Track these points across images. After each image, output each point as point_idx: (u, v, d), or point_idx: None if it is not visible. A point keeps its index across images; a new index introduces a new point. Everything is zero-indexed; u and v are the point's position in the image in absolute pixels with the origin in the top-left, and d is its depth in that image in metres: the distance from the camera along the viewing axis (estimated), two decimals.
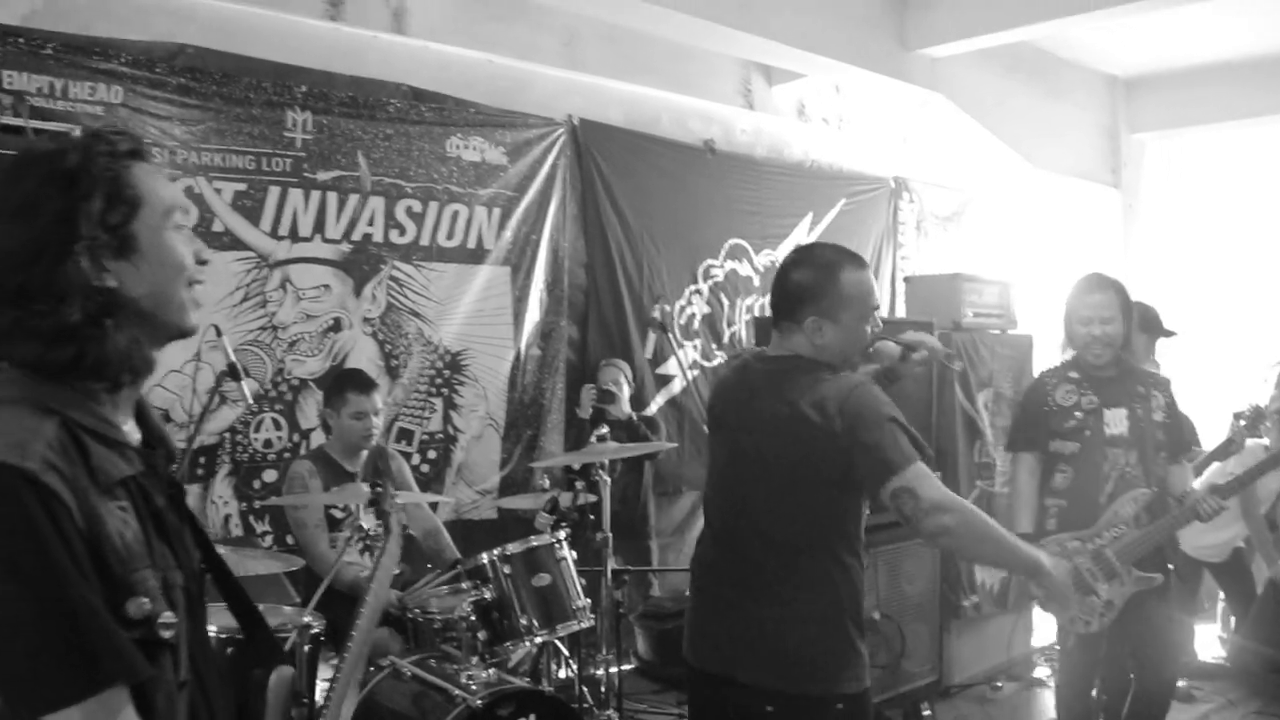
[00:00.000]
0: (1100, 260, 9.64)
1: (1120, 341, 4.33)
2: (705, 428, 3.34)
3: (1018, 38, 7.79)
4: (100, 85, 4.68)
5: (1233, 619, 7.07)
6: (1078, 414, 4.34)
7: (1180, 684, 5.77)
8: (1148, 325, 5.23)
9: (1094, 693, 4.69)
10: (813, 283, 2.82)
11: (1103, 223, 10.29)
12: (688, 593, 3.16)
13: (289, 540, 5.18)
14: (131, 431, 1.63)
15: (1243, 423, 5.67)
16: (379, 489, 2.48)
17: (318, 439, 5.26)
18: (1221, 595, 7.24)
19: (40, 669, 1.38)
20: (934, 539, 2.68)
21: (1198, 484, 4.85)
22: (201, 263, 1.66)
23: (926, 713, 5.46)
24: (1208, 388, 7.66)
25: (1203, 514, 4.29)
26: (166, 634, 1.52)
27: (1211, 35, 8.75)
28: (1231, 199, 10.07)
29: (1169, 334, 5.38)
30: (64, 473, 1.43)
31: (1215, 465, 5.52)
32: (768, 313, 6.55)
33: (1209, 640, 7.03)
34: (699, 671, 2.98)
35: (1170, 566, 4.50)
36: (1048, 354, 7.62)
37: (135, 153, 1.60)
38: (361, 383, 4.78)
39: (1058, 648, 4.99)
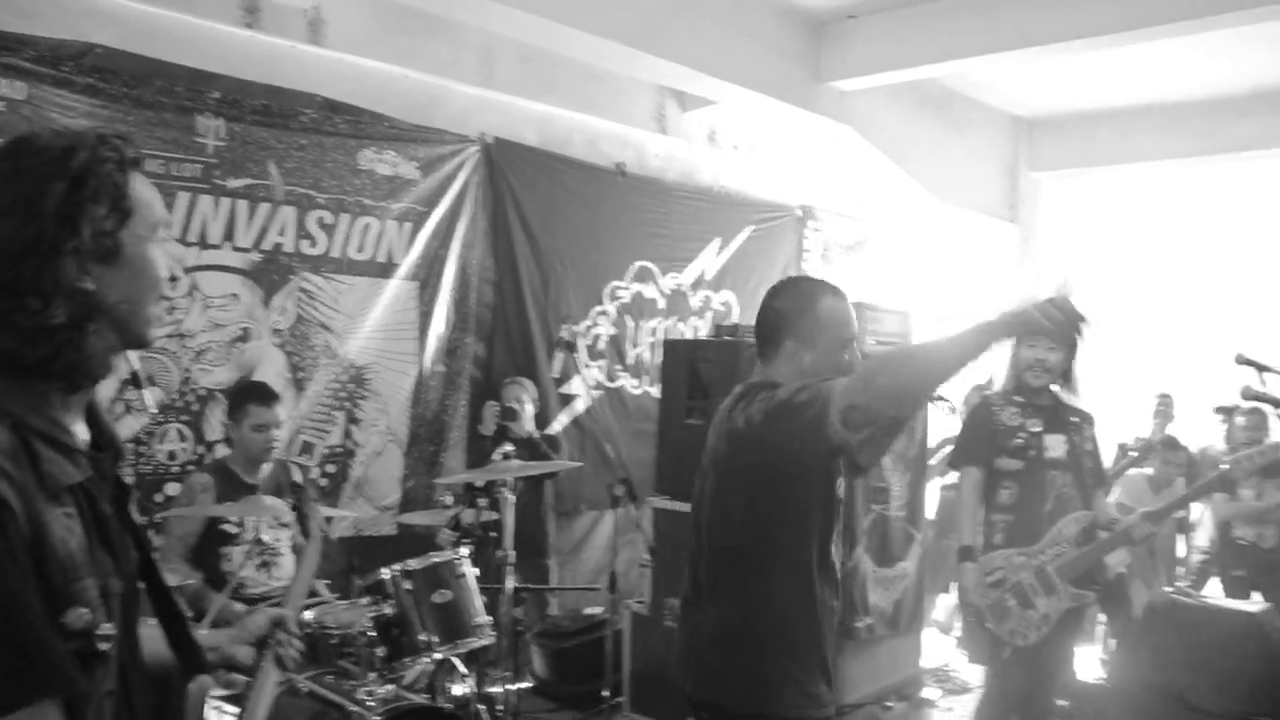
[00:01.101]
0: (997, 292, 9.94)
1: (1059, 370, 4.53)
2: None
3: (926, 75, 8.01)
4: (3, 80, 4.58)
5: (1113, 641, 7.32)
6: (1022, 435, 4.53)
7: (1061, 703, 5.99)
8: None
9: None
10: (791, 309, 2.87)
11: (1000, 256, 10.59)
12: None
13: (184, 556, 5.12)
14: (81, 433, 1.61)
15: (1133, 453, 5.92)
16: (299, 495, 2.48)
17: (224, 451, 5.18)
18: (1102, 618, 7.50)
19: None
20: (891, 414, 2.50)
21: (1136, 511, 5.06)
22: (173, 279, 1.66)
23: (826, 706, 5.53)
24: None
25: (1135, 537, 4.52)
26: (104, 646, 1.51)
27: (1109, 82, 9.10)
28: (1121, 238, 10.44)
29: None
30: (13, 478, 1.42)
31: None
32: (673, 335, 6.59)
33: (1090, 661, 7.26)
34: (688, 700, 2.96)
35: (1096, 586, 4.70)
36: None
37: (135, 162, 1.60)
38: (263, 395, 4.73)
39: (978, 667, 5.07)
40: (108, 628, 1.51)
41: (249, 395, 4.73)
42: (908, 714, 6.34)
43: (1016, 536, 4.54)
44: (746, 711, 2.75)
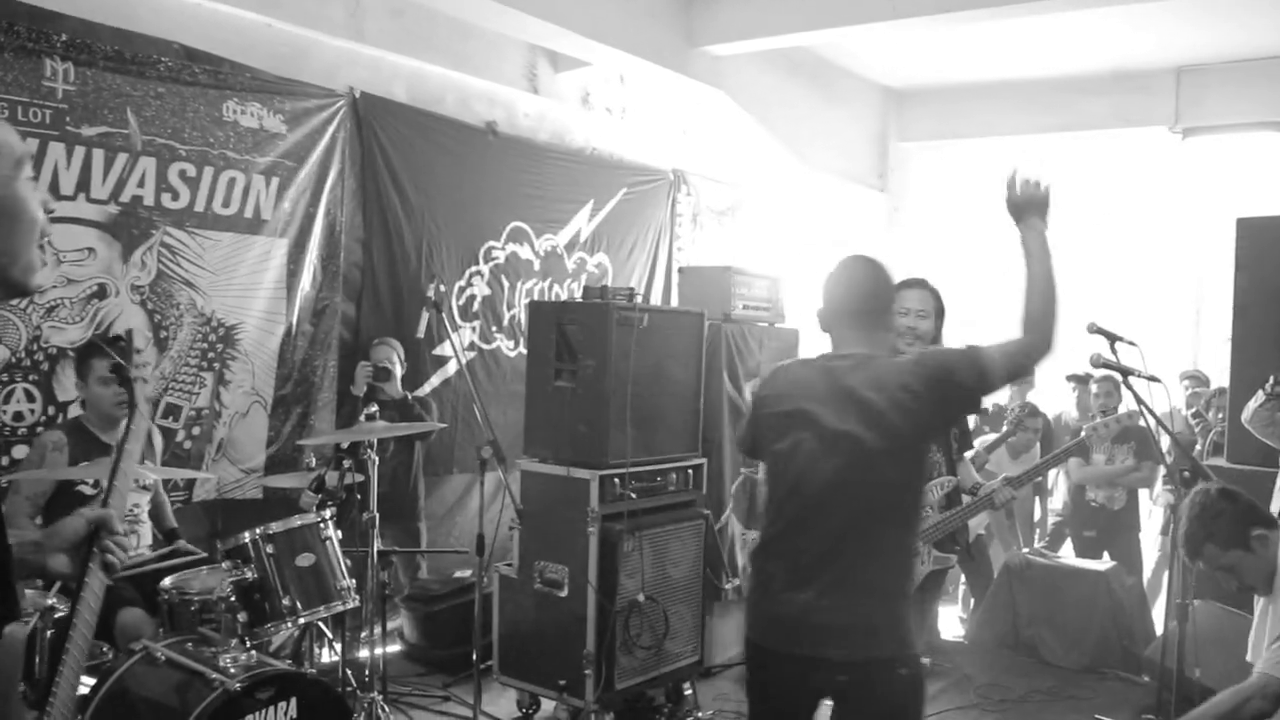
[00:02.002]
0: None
1: (930, 338, 4.63)
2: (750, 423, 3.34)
3: (797, 43, 8.08)
4: None
5: (972, 600, 7.57)
6: None
7: (924, 660, 6.15)
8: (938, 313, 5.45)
9: None
10: (890, 289, 3.21)
11: (869, 224, 10.77)
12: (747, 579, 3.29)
13: (37, 521, 4.92)
14: None
15: (1008, 427, 6.20)
16: (122, 349, 2.28)
17: (76, 413, 4.99)
18: (963, 579, 7.75)
19: None
20: (1035, 345, 2.96)
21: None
22: (48, 213, 1.57)
23: (688, 692, 5.60)
24: None
25: (997, 502, 4.65)
26: None
27: (975, 57, 9.30)
28: (985, 207, 10.65)
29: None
30: None
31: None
32: (548, 296, 6.49)
33: (950, 620, 7.49)
34: (783, 654, 3.03)
35: (957, 549, 4.82)
36: (814, 348, 7.97)
37: None
38: (108, 344, 4.59)
39: None
40: None
41: (93, 349, 4.63)
42: None
43: None
44: (888, 656, 2.92)
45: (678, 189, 8.77)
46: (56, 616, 3.37)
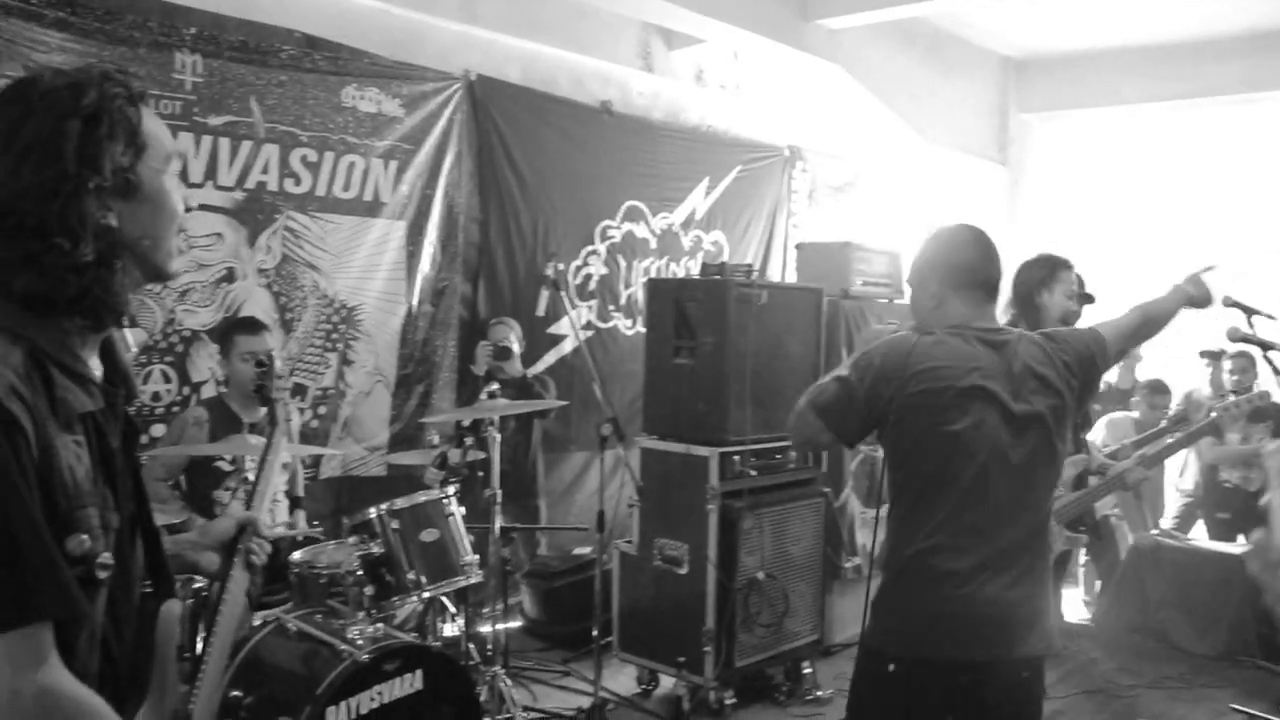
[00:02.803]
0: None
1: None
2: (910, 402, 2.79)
3: (915, 13, 7.94)
4: None
5: (1098, 583, 7.38)
6: None
7: None
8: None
9: None
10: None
11: (989, 198, 10.54)
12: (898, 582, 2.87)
13: (176, 491, 5.09)
14: (95, 368, 1.62)
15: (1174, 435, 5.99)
16: (263, 372, 2.41)
17: (209, 393, 5.16)
18: (1083, 560, 7.55)
19: None
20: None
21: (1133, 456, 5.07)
22: (187, 210, 1.66)
23: (807, 670, 5.57)
24: None
25: (1129, 482, 4.52)
26: (102, 574, 1.52)
27: (1100, 22, 9.02)
28: (1111, 180, 10.39)
29: (1090, 299, 5.48)
30: (26, 400, 1.43)
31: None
32: (666, 275, 6.46)
33: (1075, 603, 7.32)
34: (969, 662, 2.76)
35: (1081, 530, 4.71)
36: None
37: (142, 96, 1.61)
38: (250, 325, 4.77)
39: None
40: (106, 557, 1.53)
41: (235, 327, 4.78)
42: None
43: None
44: (1050, 647, 2.84)
45: (793, 165, 8.69)
46: (195, 587, 3.48)
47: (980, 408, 2.73)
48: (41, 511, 1.42)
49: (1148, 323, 3.19)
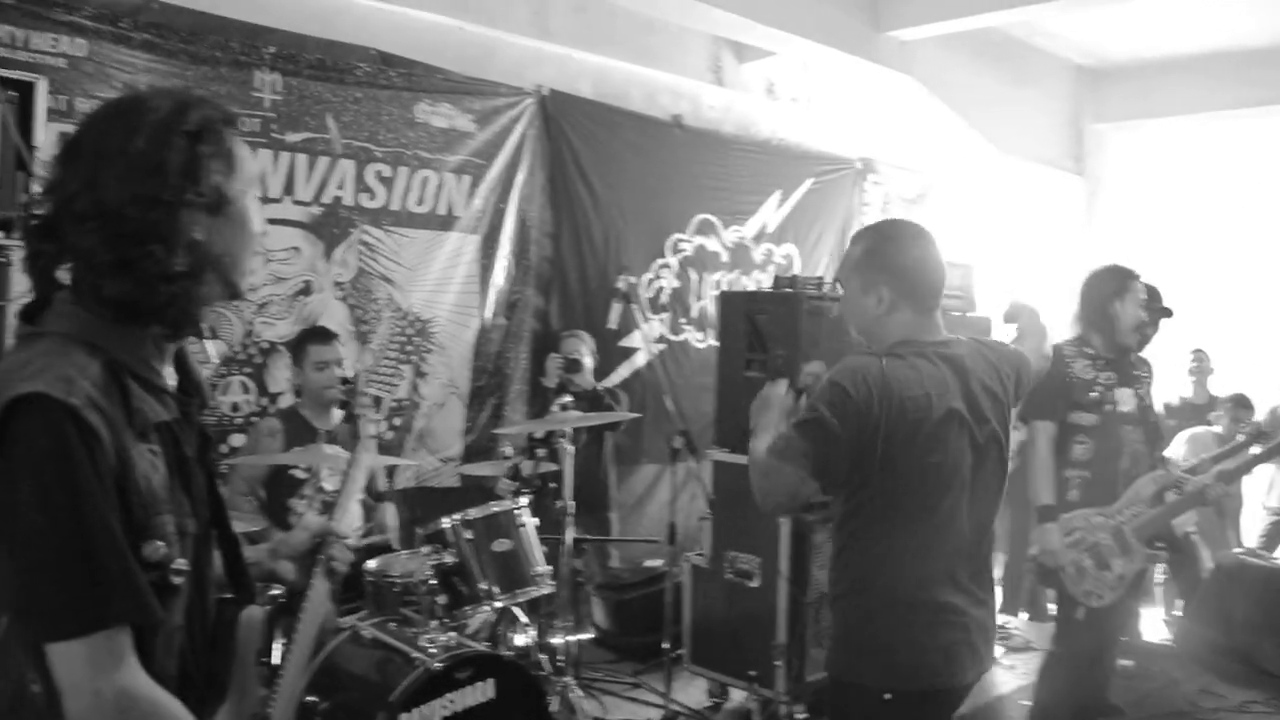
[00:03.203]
0: (1063, 246, 9.77)
1: (1149, 338, 4.65)
2: (871, 426, 2.61)
3: (988, 23, 7.85)
4: (63, 37, 4.62)
5: (1178, 601, 7.21)
6: (1097, 388, 4.45)
7: (1126, 663, 5.92)
8: (1150, 304, 5.23)
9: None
10: None
11: (1065, 209, 10.40)
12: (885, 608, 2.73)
13: (255, 500, 5.18)
14: (170, 377, 1.67)
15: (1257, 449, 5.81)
16: (349, 389, 2.47)
17: (286, 403, 5.23)
18: (1161, 577, 7.38)
19: (54, 599, 1.42)
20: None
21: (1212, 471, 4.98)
22: (263, 233, 1.75)
23: None
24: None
25: (1209, 499, 4.44)
26: (177, 580, 1.57)
27: (1176, 29, 8.87)
28: (1189, 190, 10.20)
29: (1168, 312, 5.39)
30: (104, 411, 1.48)
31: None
32: (737, 288, 6.44)
33: (1154, 622, 7.16)
34: (962, 687, 2.77)
35: (1159, 546, 4.63)
36: (1005, 338, 7.76)
37: (234, 120, 1.68)
38: (321, 334, 4.86)
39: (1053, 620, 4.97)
40: (182, 563, 1.58)
41: (308, 336, 4.87)
42: None
43: (1092, 493, 4.45)
44: None
45: (865, 178, 8.66)
46: (272, 594, 3.53)
47: (955, 435, 2.66)
48: (119, 519, 1.46)
49: None
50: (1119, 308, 4.51)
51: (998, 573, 7.31)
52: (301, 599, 1.99)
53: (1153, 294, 4.95)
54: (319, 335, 4.86)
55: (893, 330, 2.72)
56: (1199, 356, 7.94)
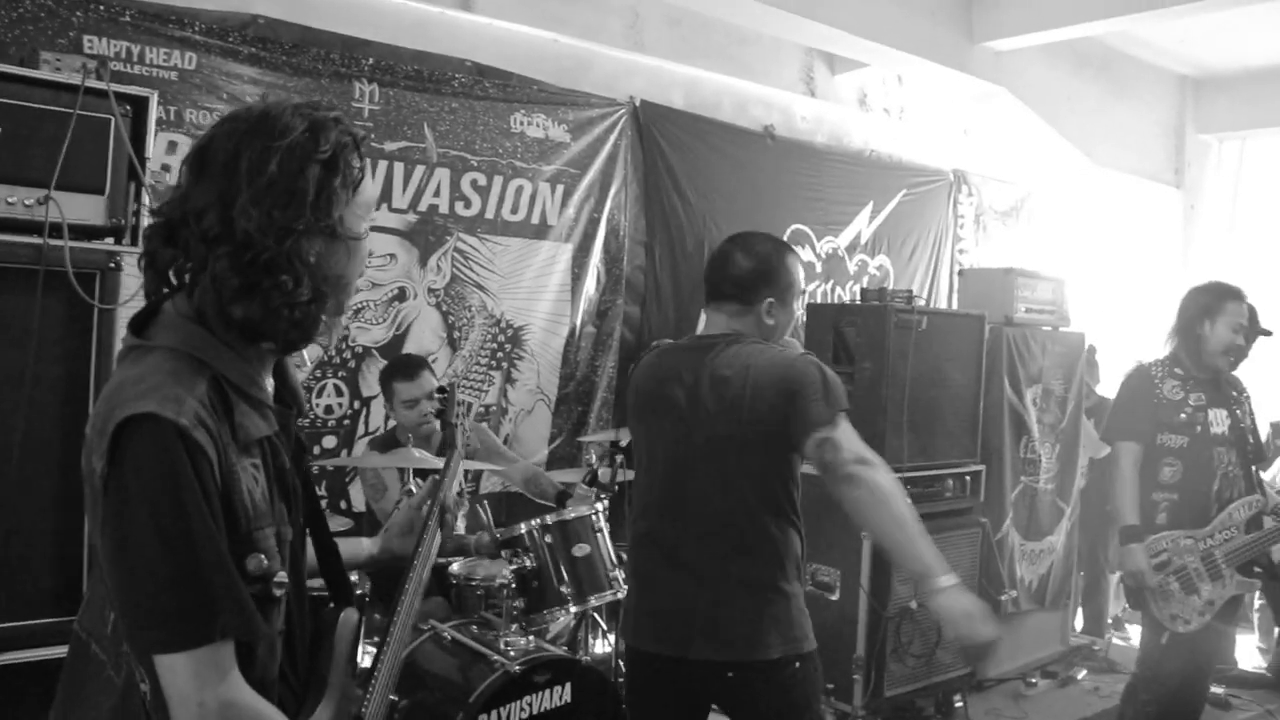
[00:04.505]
0: (1160, 261, 9.59)
1: (1244, 359, 4.50)
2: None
3: (1085, 33, 7.74)
4: (175, 52, 4.80)
5: (1276, 629, 7.04)
6: (1187, 409, 4.39)
7: (1218, 690, 5.80)
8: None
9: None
10: (769, 267, 3.03)
11: (1163, 223, 10.20)
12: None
13: (342, 505, 5.33)
14: (269, 387, 1.72)
15: None
16: (444, 398, 2.54)
17: (378, 405, 5.36)
18: (1259, 604, 7.21)
19: (163, 614, 1.48)
20: (844, 491, 2.68)
21: None
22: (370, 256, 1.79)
23: (959, 704, 5.49)
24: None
25: None
26: (279, 592, 1.62)
27: None
28: None
29: (1266, 333, 5.30)
30: (211, 429, 1.53)
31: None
32: (830, 299, 6.46)
33: (1248, 649, 7.00)
34: (643, 654, 3.03)
35: (1258, 571, 4.55)
36: (1104, 351, 7.64)
37: (360, 142, 1.71)
38: (406, 370, 4.87)
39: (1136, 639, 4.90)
40: (282, 575, 1.62)
41: (391, 374, 4.90)
42: (1051, 691, 6.22)
43: (1181, 516, 4.38)
44: (784, 655, 2.89)
45: (958, 189, 8.58)
46: (357, 594, 3.65)
47: (663, 420, 3.07)
48: (224, 535, 1.52)
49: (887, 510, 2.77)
50: (1208, 328, 4.44)
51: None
52: (418, 547, 2.09)
53: (1251, 313, 4.87)
54: (404, 370, 4.86)
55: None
56: None
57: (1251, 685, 6.39)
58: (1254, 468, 4.56)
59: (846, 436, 2.71)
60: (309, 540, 1.88)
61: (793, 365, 2.84)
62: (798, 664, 2.88)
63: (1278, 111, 9.64)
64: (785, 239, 7.24)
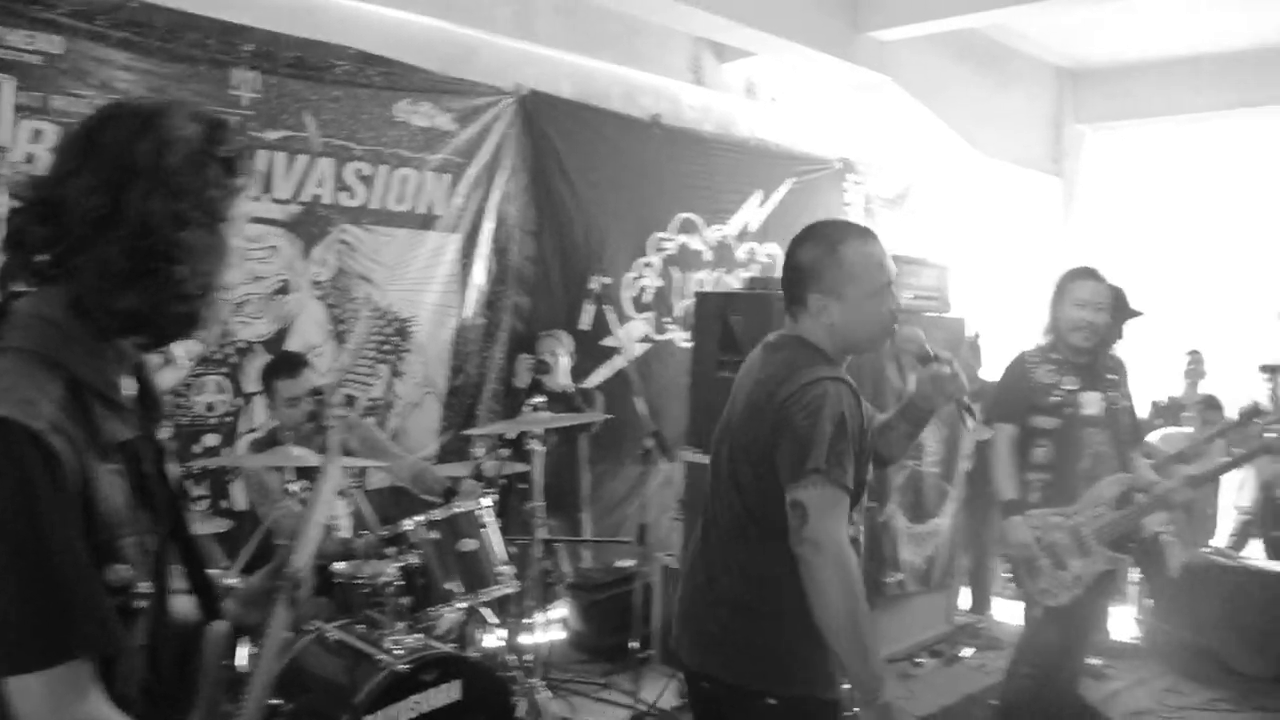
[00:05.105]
0: (1040, 247, 9.82)
1: (1104, 333, 4.56)
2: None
3: (968, 24, 7.89)
4: (39, 34, 4.58)
5: (1149, 601, 7.28)
6: (1058, 392, 4.51)
7: (1095, 662, 5.99)
8: (1116, 305, 5.27)
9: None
10: (814, 260, 2.70)
11: (1043, 210, 10.46)
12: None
13: (223, 505, 5.20)
14: (127, 388, 1.66)
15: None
16: (319, 400, 2.47)
17: (261, 402, 5.22)
18: (1136, 578, 7.45)
19: (15, 630, 1.40)
20: (800, 566, 2.49)
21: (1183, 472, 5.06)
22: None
23: (846, 686, 5.56)
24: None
25: (1174, 503, 4.52)
26: (141, 603, 1.56)
27: (1155, 31, 8.91)
28: (1167, 192, 10.26)
29: (1137, 314, 5.42)
30: (68, 434, 1.46)
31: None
32: (722, 287, 6.41)
33: (1125, 621, 7.23)
34: (684, 667, 2.90)
35: (1132, 546, 4.70)
36: (987, 337, 7.80)
37: (250, 149, 1.73)
38: (289, 367, 4.75)
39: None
40: (144, 585, 1.57)
41: (273, 373, 4.77)
42: (938, 670, 6.35)
43: (1053, 495, 4.52)
44: (764, 690, 2.64)
45: (845, 178, 8.68)
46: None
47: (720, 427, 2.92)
48: (83, 544, 1.45)
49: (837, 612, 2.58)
50: (1058, 310, 4.58)
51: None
52: (265, 627, 1.95)
53: (1119, 295, 5.00)
54: (285, 368, 4.74)
55: None
56: (1194, 358, 7.97)
57: (1127, 656, 6.59)
58: (1128, 448, 4.70)
59: (816, 505, 2.45)
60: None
61: (797, 394, 2.56)
62: (770, 701, 2.62)
63: (1150, 103, 9.97)
64: (673, 227, 7.29)
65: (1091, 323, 4.49)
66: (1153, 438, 7.10)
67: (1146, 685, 6.11)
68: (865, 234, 2.77)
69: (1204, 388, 7.96)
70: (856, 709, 2.57)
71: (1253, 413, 5.33)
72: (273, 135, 5.38)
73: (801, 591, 2.51)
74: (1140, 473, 4.67)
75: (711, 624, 2.72)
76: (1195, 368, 7.99)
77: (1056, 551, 4.45)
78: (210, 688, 1.74)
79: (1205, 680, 6.19)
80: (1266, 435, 4.94)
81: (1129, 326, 5.28)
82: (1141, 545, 6.62)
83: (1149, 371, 8.16)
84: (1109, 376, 4.67)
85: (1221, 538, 7.65)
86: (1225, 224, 9.85)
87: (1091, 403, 4.58)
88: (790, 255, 2.78)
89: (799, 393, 2.55)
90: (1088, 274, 4.60)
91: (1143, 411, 5.44)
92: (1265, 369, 7.68)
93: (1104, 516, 4.46)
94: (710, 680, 2.73)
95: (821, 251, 2.70)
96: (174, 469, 1.77)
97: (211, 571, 1.88)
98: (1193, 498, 4.68)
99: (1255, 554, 7.29)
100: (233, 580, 2.29)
